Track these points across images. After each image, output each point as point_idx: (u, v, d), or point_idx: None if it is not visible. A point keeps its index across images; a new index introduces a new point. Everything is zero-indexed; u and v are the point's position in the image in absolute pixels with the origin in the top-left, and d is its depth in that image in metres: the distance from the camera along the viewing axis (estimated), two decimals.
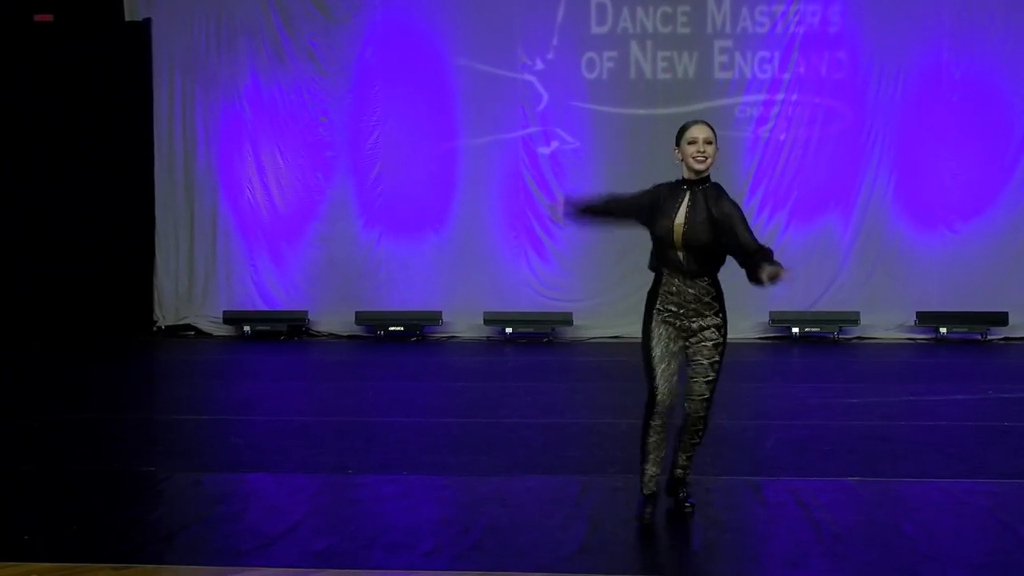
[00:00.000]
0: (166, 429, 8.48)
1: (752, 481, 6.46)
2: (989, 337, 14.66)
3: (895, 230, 14.91)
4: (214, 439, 8.15)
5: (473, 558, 5.17)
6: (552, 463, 7.16)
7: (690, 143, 5.61)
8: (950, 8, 14.69)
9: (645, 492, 5.77)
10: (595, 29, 15.14)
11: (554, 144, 15.17)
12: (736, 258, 5.60)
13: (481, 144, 15.21)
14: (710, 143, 5.60)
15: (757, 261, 5.39)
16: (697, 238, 5.57)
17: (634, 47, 15.14)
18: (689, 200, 5.63)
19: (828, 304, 14.91)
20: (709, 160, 5.61)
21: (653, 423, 5.72)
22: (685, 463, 5.94)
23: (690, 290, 5.67)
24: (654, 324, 5.77)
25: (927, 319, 14.72)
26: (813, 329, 14.76)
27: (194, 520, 5.80)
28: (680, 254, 5.64)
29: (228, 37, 15.39)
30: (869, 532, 5.53)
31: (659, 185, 5.79)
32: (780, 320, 14.71)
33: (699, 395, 5.71)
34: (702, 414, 5.74)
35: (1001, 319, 14.61)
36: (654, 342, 5.74)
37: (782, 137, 14.98)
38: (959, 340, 14.60)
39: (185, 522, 5.77)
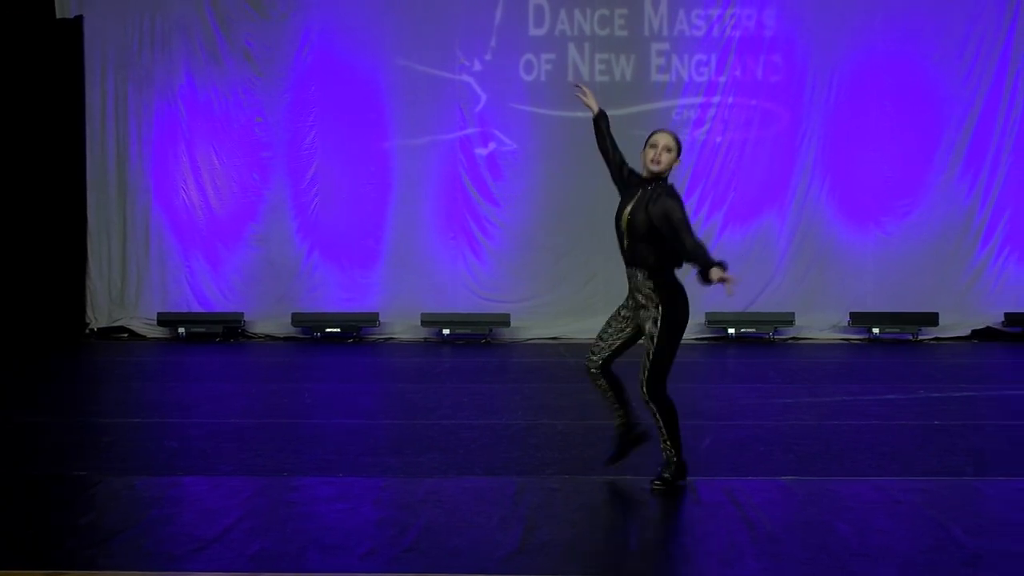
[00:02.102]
0: (98, 432, 8.35)
1: (688, 481, 6.49)
2: (920, 337, 14.88)
3: (829, 231, 15.10)
4: (147, 442, 8.05)
5: (410, 559, 5.14)
6: (489, 464, 7.15)
7: (651, 147, 6.31)
8: (882, 12, 14.91)
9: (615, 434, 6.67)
10: (533, 31, 15.17)
11: (491, 145, 15.17)
12: (681, 254, 6.21)
13: (418, 145, 15.18)
14: (669, 151, 6.29)
15: (701, 264, 6.02)
16: (634, 230, 6.24)
17: (572, 49, 15.19)
18: (640, 195, 6.30)
19: (764, 305, 15.05)
20: (662, 165, 6.26)
21: (588, 379, 6.63)
22: (664, 445, 6.38)
23: (632, 278, 6.34)
24: (624, 300, 6.50)
25: (860, 319, 14.91)
26: (749, 330, 14.90)
27: (127, 524, 5.71)
28: (624, 242, 6.33)
29: (162, 36, 15.21)
30: (803, 531, 5.58)
31: (631, 171, 6.52)
32: (716, 321, 14.82)
33: (638, 382, 6.33)
34: (645, 399, 6.34)
35: (932, 319, 14.84)
36: (611, 315, 6.55)
37: (718, 139, 15.11)
38: (891, 340, 14.81)
39: (118, 526, 5.68)
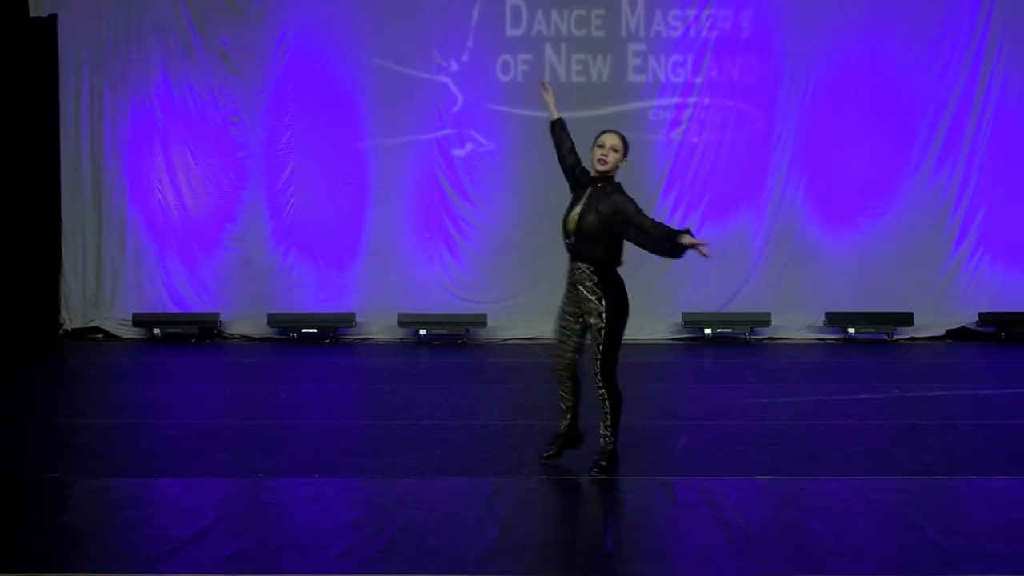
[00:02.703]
0: (72, 434, 8.30)
1: (664, 481, 6.51)
2: (895, 337, 14.95)
3: (805, 232, 15.15)
4: (122, 444, 8.01)
5: (386, 560, 5.14)
6: (466, 464, 7.15)
7: (598, 147, 6.61)
8: (858, 13, 14.96)
9: (558, 431, 7.03)
10: (510, 31, 15.16)
11: (468, 146, 15.16)
12: (648, 247, 6.57)
13: (395, 145, 15.15)
14: (616, 151, 6.57)
15: (668, 236, 6.39)
16: (583, 227, 6.56)
17: (549, 50, 15.19)
18: (588, 195, 6.63)
19: (740, 305, 15.09)
20: (608, 164, 6.58)
21: (555, 381, 6.99)
22: (604, 433, 6.75)
23: (576, 272, 6.69)
24: (561, 304, 6.91)
25: (835, 319, 14.97)
26: (725, 330, 14.93)
27: (101, 526, 5.69)
28: (571, 239, 6.68)
29: (137, 34, 15.12)
30: (779, 530, 5.61)
31: (583, 170, 6.80)
32: (692, 321, 14.85)
33: (591, 369, 6.69)
34: (597, 385, 6.70)
35: (907, 319, 14.91)
36: (559, 314, 6.92)
37: (695, 140, 15.14)
38: (866, 340, 14.87)
39: (92, 528, 5.65)
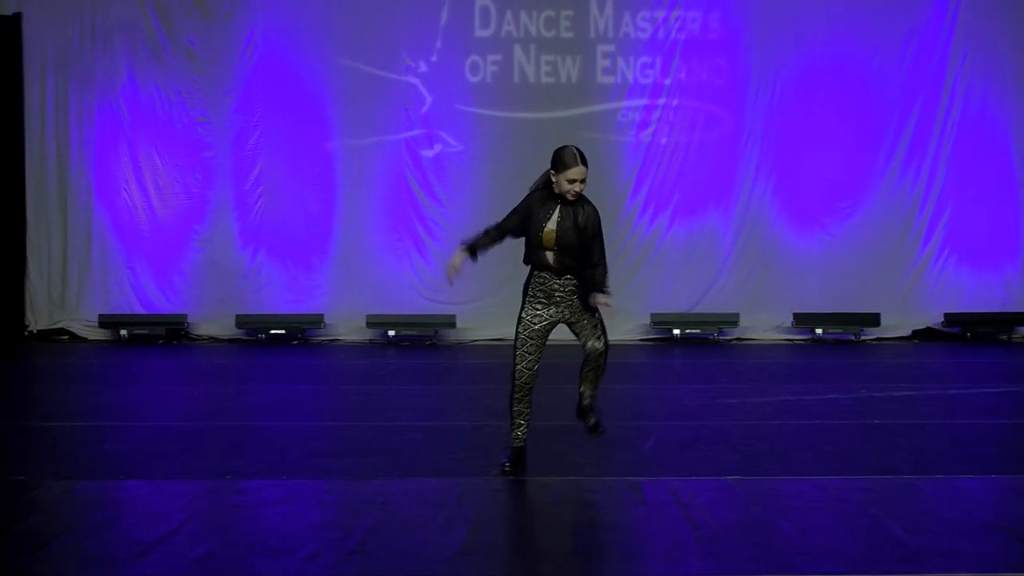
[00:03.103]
0: (37, 436, 8.24)
1: (633, 481, 6.52)
2: (862, 337, 15.05)
3: (773, 232, 15.23)
4: (87, 446, 7.94)
5: (354, 562, 5.12)
6: (434, 465, 7.14)
7: (569, 182, 6.53)
8: (825, 16, 15.06)
9: (515, 446, 6.84)
10: (479, 32, 15.16)
11: (437, 147, 15.15)
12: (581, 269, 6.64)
13: (364, 145, 15.12)
14: (584, 181, 6.57)
15: (593, 283, 6.55)
16: (564, 241, 6.55)
17: (518, 51, 15.20)
18: (559, 212, 6.61)
19: (708, 306, 15.15)
20: (579, 196, 6.60)
21: (516, 396, 6.76)
22: (591, 393, 6.81)
23: (555, 282, 6.65)
24: (524, 310, 6.78)
25: (803, 320, 15.06)
26: (694, 330, 14.98)
27: (66, 529, 5.64)
28: (550, 254, 6.62)
29: (103, 34, 15.03)
30: (747, 530, 5.62)
31: (529, 197, 6.77)
32: (661, 322, 14.90)
33: (595, 349, 6.66)
34: (601, 359, 6.70)
35: (873, 320, 15.01)
36: (521, 327, 6.75)
37: (663, 141, 15.18)
38: (834, 340, 14.96)
39: (57, 531, 5.60)
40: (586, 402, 6.81)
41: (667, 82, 15.17)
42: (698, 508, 5.99)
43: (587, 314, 6.66)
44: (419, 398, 10.06)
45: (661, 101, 15.19)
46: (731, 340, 15.06)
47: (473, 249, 6.95)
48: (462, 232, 14.93)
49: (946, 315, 15.13)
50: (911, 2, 15.15)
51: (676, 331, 14.94)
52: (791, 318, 15.09)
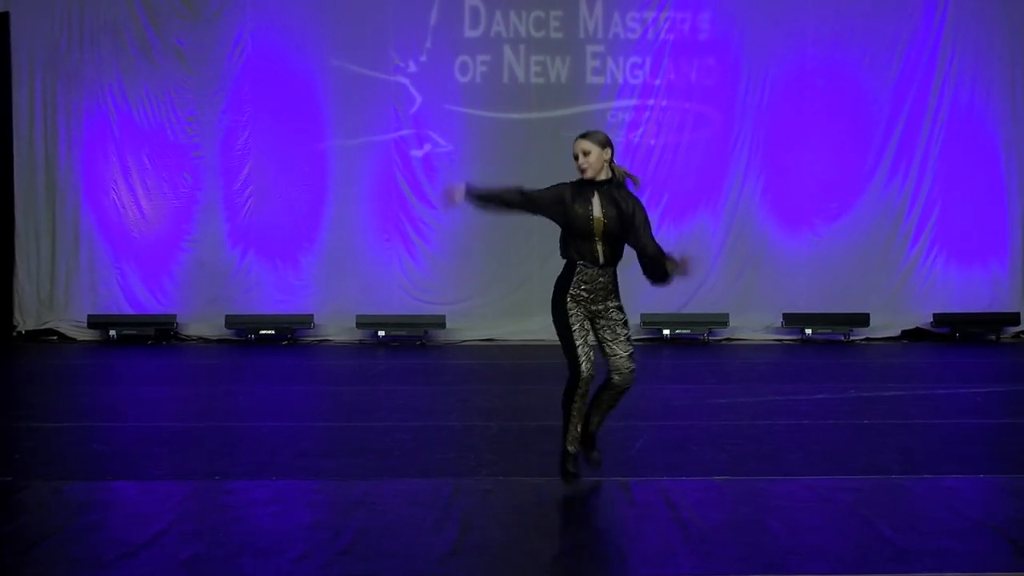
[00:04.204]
0: (25, 437, 8.21)
1: (622, 481, 6.52)
2: (851, 338, 15.09)
3: (762, 233, 15.26)
4: (76, 447, 7.91)
5: (344, 562, 5.11)
6: (424, 466, 7.13)
7: (574, 158, 6.29)
8: (814, 17, 15.11)
9: (571, 450, 6.42)
10: (468, 32, 15.16)
11: (427, 147, 15.15)
12: (640, 255, 6.32)
13: (353, 145, 15.11)
14: (587, 153, 6.24)
15: (659, 260, 6.20)
16: (613, 230, 6.22)
17: (507, 51, 15.20)
18: (599, 198, 6.25)
19: (698, 306, 15.17)
20: (590, 169, 6.25)
21: (578, 393, 6.31)
22: (599, 421, 6.54)
23: (600, 278, 6.29)
24: (569, 306, 6.31)
25: (793, 320, 15.08)
26: (683, 331, 15.00)
27: (54, 531, 5.61)
28: (599, 246, 6.25)
29: (91, 33, 15.00)
30: (736, 530, 5.62)
31: (559, 185, 6.38)
32: (651, 322, 14.91)
33: (627, 368, 6.34)
34: (631, 384, 6.39)
35: (863, 320, 15.04)
36: (572, 321, 6.30)
37: (653, 142, 15.20)
38: (823, 341, 14.99)
39: (44, 533, 5.58)
40: (593, 428, 6.52)
41: (657, 83, 15.19)
42: (687, 508, 5.99)
43: (620, 314, 6.36)
44: (409, 398, 10.04)
45: (651, 102, 15.21)
46: (721, 340, 15.08)
47: (480, 195, 6.42)
48: (452, 233, 15.12)
49: (935, 315, 15.17)
50: (900, 5, 15.19)
51: (666, 331, 14.96)
52: (781, 318, 15.12)
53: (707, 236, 15.29)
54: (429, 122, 15.19)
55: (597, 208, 6.23)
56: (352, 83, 15.13)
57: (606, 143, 6.29)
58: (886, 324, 15.24)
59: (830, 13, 15.12)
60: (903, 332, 15.28)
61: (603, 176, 6.29)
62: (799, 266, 15.29)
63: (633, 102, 15.25)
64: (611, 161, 6.34)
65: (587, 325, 6.32)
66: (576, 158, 6.28)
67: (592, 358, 6.26)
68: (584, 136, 6.31)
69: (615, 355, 6.34)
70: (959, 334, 15.10)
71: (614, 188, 6.30)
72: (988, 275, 15.39)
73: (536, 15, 15.20)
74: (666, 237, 15.12)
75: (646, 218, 6.32)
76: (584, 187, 6.29)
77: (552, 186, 6.39)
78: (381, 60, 15.15)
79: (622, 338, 6.35)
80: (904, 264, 15.35)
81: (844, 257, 15.24)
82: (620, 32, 15.24)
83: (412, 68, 15.14)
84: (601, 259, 6.26)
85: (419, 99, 15.17)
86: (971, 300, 15.32)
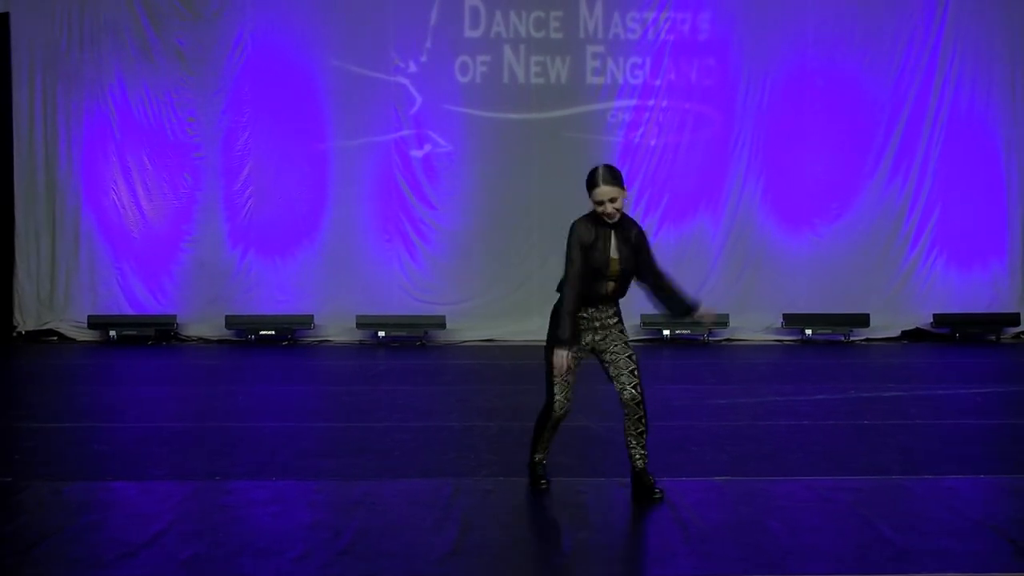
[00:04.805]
0: (25, 437, 8.21)
1: (623, 482, 6.51)
2: (852, 338, 15.08)
3: (763, 233, 15.26)
4: (76, 447, 7.91)
5: (344, 562, 5.11)
6: (424, 466, 7.13)
7: (598, 203, 6.09)
8: (814, 17, 15.10)
9: (536, 458, 6.52)
10: (468, 33, 15.16)
11: (427, 147, 15.14)
12: (646, 281, 6.32)
13: (353, 146, 15.11)
14: (614, 200, 6.07)
15: (681, 300, 6.29)
16: (628, 267, 6.18)
17: (507, 51, 15.20)
18: (615, 236, 6.16)
19: None
20: (618, 214, 6.12)
21: (548, 425, 6.37)
22: (642, 452, 6.28)
23: (603, 314, 6.24)
24: (565, 355, 6.10)
25: (793, 321, 15.08)
26: (683, 331, 14.99)
27: (54, 531, 5.61)
28: (611, 284, 6.17)
29: (91, 34, 15.00)
30: (736, 530, 5.62)
31: (578, 225, 6.16)
32: (651, 323, 14.90)
33: (631, 386, 6.19)
34: (639, 402, 6.20)
35: (863, 320, 15.04)
36: (558, 371, 6.14)
37: (653, 142, 15.20)
38: (823, 341, 14.99)
39: (44, 533, 5.58)
40: (639, 463, 6.26)
41: (657, 83, 15.19)
42: (688, 508, 5.99)
43: (623, 343, 6.24)
44: (409, 399, 10.04)
45: (651, 102, 15.21)
46: (721, 341, 15.07)
47: (573, 337, 6.12)
48: (451, 233, 15.11)
49: (935, 316, 15.17)
50: (900, 6, 15.19)
51: (666, 332, 14.96)
52: (781, 319, 15.12)
53: (707, 237, 15.29)
54: (429, 122, 15.18)
55: (613, 248, 6.14)
56: (352, 83, 15.13)
57: (623, 182, 6.16)
58: (886, 325, 15.23)
59: (830, 13, 15.12)
60: (903, 332, 15.28)
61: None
62: (799, 266, 15.28)
63: (633, 102, 15.25)
64: None
65: (573, 362, 6.15)
66: (601, 203, 6.07)
67: (569, 398, 6.24)
68: (613, 183, 6.08)
69: (617, 375, 6.22)
70: (959, 334, 15.10)
71: (624, 224, 6.21)
72: (988, 276, 15.39)
73: (536, 15, 15.20)
74: (666, 238, 15.14)
75: (648, 245, 6.30)
76: (601, 226, 6.14)
77: (573, 234, 6.12)
78: (381, 60, 15.15)
79: (623, 355, 6.22)
80: (904, 265, 15.35)
81: (844, 258, 15.24)
82: (620, 32, 15.23)
83: (412, 68, 15.14)
84: (609, 296, 6.20)
85: (419, 99, 15.17)
86: (971, 301, 15.32)
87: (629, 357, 6.22)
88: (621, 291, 6.26)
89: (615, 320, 6.29)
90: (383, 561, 5.12)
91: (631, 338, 6.57)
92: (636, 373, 6.21)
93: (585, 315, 6.20)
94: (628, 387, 6.19)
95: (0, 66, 14.92)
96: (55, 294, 15.21)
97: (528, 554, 5.42)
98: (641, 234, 6.26)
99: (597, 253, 6.11)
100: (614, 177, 6.11)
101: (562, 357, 6.05)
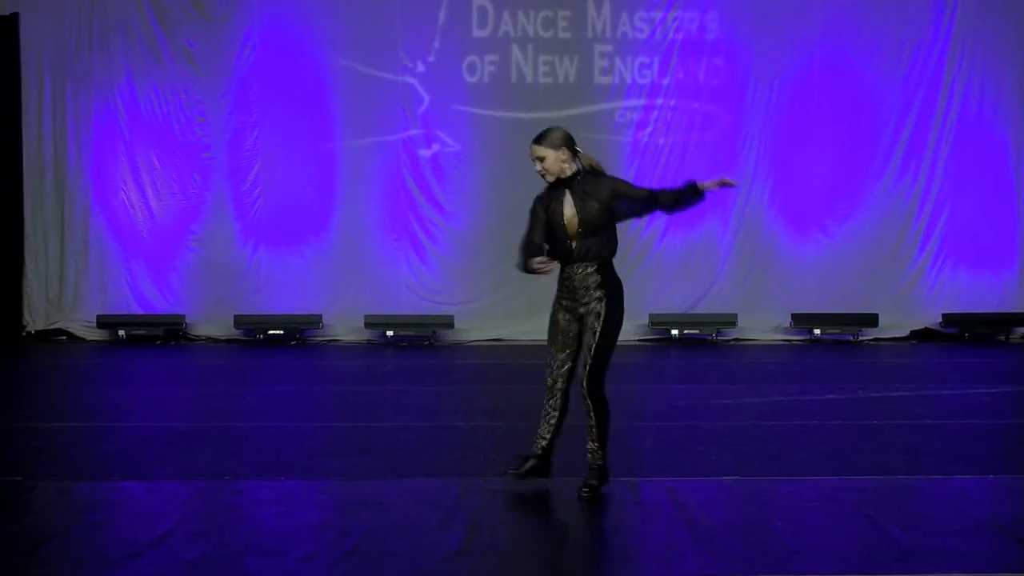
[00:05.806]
0: (34, 437, 8.23)
1: (630, 482, 6.51)
2: (860, 338, 15.05)
3: (771, 233, 15.23)
4: (84, 446, 7.93)
5: (350, 562, 5.11)
6: (431, 466, 7.13)
7: (532, 165, 6.25)
8: (823, 17, 15.07)
9: (534, 451, 6.40)
10: (476, 32, 15.16)
11: (435, 147, 15.15)
12: (650, 209, 6.34)
13: (362, 146, 15.12)
14: (542, 159, 6.16)
15: (682, 191, 6.19)
16: (587, 223, 6.11)
17: (515, 51, 15.20)
18: (571, 196, 6.16)
19: (707, 306, 15.15)
20: (548, 174, 6.20)
21: (545, 399, 6.38)
22: (592, 447, 6.24)
23: (577, 274, 6.17)
24: (552, 311, 6.35)
25: (801, 320, 15.06)
26: (692, 331, 14.98)
27: (61, 530, 5.62)
28: (573, 243, 6.15)
29: (100, 34, 15.03)
30: (742, 530, 5.62)
31: (536, 199, 6.33)
32: (659, 322, 14.89)
33: (578, 377, 6.21)
34: (583, 394, 6.15)
35: (872, 320, 15.01)
36: (550, 328, 6.35)
37: (661, 141, 15.19)
38: (832, 341, 14.96)
39: (50, 532, 5.59)
40: (597, 462, 6.22)
41: (665, 82, 15.18)
42: (694, 508, 5.99)
43: (591, 332, 6.14)
44: (416, 398, 10.05)
45: (659, 101, 15.20)
46: (729, 341, 15.06)
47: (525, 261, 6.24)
48: (460, 232, 15.11)
49: (944, 316, 15.13)
50: (909, 5, 15.15)
51: (674, 331, 14.94)
52: (789, 319, 15.09)
53: (716, 236, 15.27)
54: (437, 122, 15.19)
55: (568, 207, 6.15)
56: (360, 83, 15.13)
57: (560, 142, 6.15)
58: (895, 325, 15.20)
59: (839, 13, 15.09)
60: (912, 332, 15.25)
61: (570, 172, 6.19)
62: (808, 266, 15.25)
63: (641, 102, 15.24)
64: (576, 154, 6.22)
65: (571, 330, 6.26)
66: (533, 164, 6.22)
67: (560, 367, 6.30)
68: (537, 141, 6.19)
69: (581, 355, 6.22)
70: (968, 334, 15.05)
71: (586, 181, 6.20)
72: (997, 276, 15.34)
73: (544, 15, 15.19)
74: (674, 237, 15.14)
75: (626, 183, 6.29)
76: (555, 189, 6.21)
77: (531, 210, 6.31)
78: (389, 60, 15.15)
79: (585, 347, 6.18)
80: (913, 265, 15.31)
81: (853, 258, 15.21)
82: (628, 32, 15.22)
83: (420, 68, 15.14)
84: (575, 256, 6.14)
85: (427, 99, 15.17)
86: (980, 301, 15.27)
87: (594, 333, 6.16)
88: (585, 249, 6.13)
89: (598, 305, 6.15)
90: (389, 561, 5.12)
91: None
92: (595, 339, 6.14)
93: (563, 275, 6.25)
94: (581, 362, 6.22)
95: (9, 66, 14.95)
96: (64, 294, 15.25)
97: (535, 554, 5.42)
98: (612, 181, 6.22)
99: (551, 216, 6.17)
100: (541, 136, 6.20)
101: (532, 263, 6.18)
